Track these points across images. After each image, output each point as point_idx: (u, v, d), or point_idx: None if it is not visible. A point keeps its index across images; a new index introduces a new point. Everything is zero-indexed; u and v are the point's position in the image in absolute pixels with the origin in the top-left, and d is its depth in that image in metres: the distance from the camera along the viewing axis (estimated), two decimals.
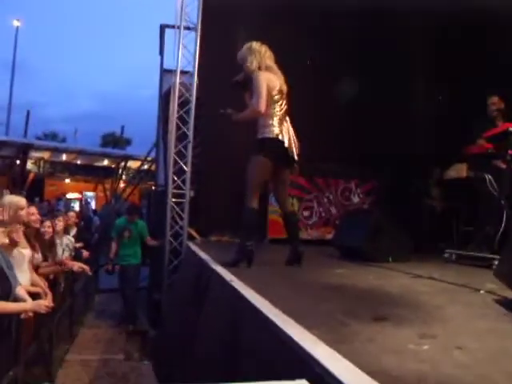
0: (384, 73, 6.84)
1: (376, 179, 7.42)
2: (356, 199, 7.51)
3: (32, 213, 4.78)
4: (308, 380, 1.34)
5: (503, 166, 4.67)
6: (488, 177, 4.78)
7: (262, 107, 4.01)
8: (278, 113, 4.13)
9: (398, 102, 6.96)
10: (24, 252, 4.05)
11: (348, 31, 6.74)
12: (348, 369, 1.49)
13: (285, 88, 4.25)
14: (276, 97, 4.14)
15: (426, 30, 6.78)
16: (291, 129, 4.22)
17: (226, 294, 3.15)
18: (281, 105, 4.17)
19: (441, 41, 6.84)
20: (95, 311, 7.75)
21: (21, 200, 4.12)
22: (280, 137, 4.08)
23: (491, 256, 4.25)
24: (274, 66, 4.29)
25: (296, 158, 4.18)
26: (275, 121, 4.10)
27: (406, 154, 6.74)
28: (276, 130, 4.08)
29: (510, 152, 4.53)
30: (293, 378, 1.37)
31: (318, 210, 7.36)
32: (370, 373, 1.42)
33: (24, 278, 3.90)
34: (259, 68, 4.17)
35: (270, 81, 4.12)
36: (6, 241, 3.67)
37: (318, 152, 6.21)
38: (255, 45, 4.25)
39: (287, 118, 4.22)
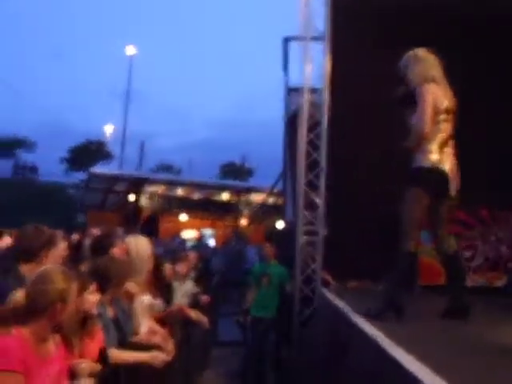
0: None
1: None
2: None
3: None
4: None
5: None
6: None
7: (427, 128, 3.94)
8: (441, 136, 4.02)
9: None
10: (142, 300, 4.34)
11: None
12: None
13: (452, 105, 4.11)
14: (441, 116, 4.02)
15: None
16: (453, 156, 4.11)
17: (369, 354, 3.08)
18: (445, 127, 4.05)
19: None
20: (214, 368, 7.88)
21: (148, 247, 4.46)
22: (440, 166, 3.98)
23: None
24: (443, 79, 4.18)
25: (453, 192, 4.05)
26: (435, 146, 4.00)
27: None
28: (434, 156, 3.99)
29: None
30: None
31: (484, 249, 6.94)
32: None
33: (141, 326, 4.17)
34: (425, 80, 4.07)
35: (437, 97, 4.02)
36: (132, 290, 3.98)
37: (483, 177, 5.91)
38: (421, 52, 4.18)
39: (450, 143, 4.10)
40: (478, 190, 5.73)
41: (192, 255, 7.63)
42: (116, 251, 3.96)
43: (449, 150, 4.05)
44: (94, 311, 3.03)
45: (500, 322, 4.11)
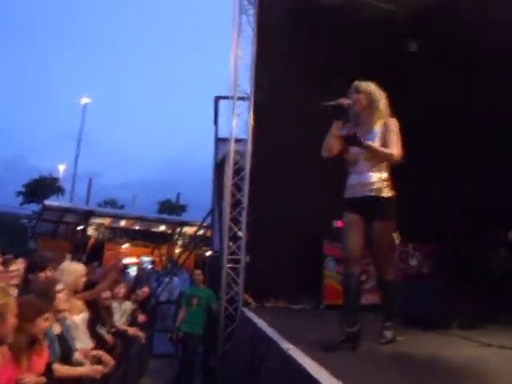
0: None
1: (434, 242, 7.17)
2: (414, 262, 7.26)
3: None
4: None
5: None
6: None
7: (399, 154, 3.48)
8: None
9: (452, 170, 6.77)
10: (81, 316, 4.14)
11: None
12: None
13: None
14: None
15: None
16: None
17: (283, 364, 3.07)
18: None
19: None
20: (149, 377, 7.64)
21: (82, 268, 4.28)
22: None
23: None
24: None
25: None
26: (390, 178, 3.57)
27: (466, 216, 6.52)
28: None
29: None
30: None
31: (375, 273, 7.14)
32: None
33: (82, 342, 3.98)
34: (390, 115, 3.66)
35: None
36: (67, 306, 3.78)
37: None
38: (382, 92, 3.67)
39: None
40: None
41: (146, 289, 7.38)
42: (43, 275, 3.78)
43: None
44: (41, 336, 2.86)
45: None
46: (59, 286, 3.48)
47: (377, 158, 3.49)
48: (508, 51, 5.67)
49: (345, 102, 3.47)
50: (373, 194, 3.46)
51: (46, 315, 2.82)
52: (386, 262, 3.60)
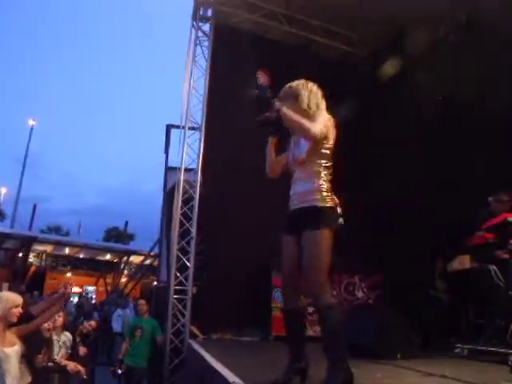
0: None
1: (380, 273, 7.34)
2: (360, 294, 7.38)
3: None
4: None
5: (506, 256, 4.59)
6: (492, 268, 4.69)
7: (319, 133, 2.94)
8: (329, 177, 3.11)
9: (399, 200, 6.96)
10: (14, 349, 3.89)
11: None
12: None
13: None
14: (329, 153, 3.14)
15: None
16: None
17: None
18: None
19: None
20: None
21: (17, 298, 4.03)
22: (338, 209, 3.04)
23: (506, 350, 4.08)
24: None
25: None
26: (329, 186, 3.06)
27: (408, 247, 6.70)
28: (332, 198, 3.03)
29: (511, 242, 4.48)
30: None
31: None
32: None
33: (15, 376, 3.73)
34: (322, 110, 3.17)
35: (332, 129, 3.12)
36: None
37: None
38: (312, 85, 3.23)
39: None
40: None
41: (93, 323, 7.02)
42: None
43: None
44: None
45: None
46: None
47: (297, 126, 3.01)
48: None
49: (271, 114, 3.04)
50: (309, 204, 2.99)
51: None
52: (316, 281, 2.90)
